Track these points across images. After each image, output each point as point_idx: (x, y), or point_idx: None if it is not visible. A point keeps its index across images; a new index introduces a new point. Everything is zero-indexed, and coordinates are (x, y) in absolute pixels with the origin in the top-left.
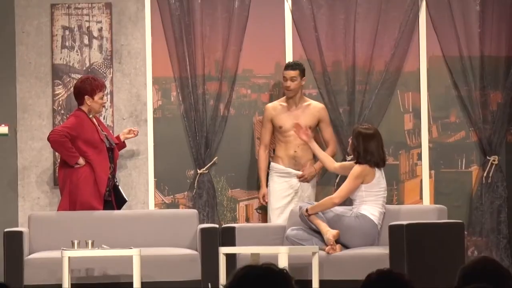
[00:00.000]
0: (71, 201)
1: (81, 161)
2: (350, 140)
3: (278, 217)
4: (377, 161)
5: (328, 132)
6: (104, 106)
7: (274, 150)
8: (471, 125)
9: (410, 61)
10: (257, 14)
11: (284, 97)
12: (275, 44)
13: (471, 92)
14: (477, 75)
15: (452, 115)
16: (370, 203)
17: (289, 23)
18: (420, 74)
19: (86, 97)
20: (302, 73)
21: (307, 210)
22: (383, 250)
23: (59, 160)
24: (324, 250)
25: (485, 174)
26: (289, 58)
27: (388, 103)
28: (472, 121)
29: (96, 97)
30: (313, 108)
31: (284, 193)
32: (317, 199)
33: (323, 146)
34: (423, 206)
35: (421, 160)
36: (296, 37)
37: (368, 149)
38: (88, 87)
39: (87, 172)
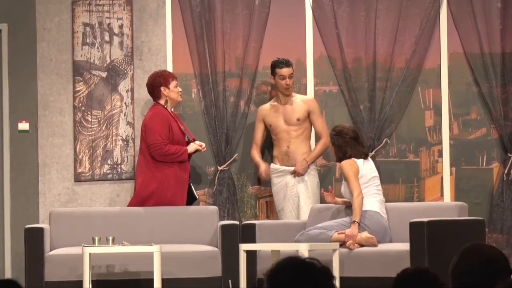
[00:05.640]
0: (157, 197)
1: (191, 148)
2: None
3: (287, 217)
4: (359, 154)
5: (319, 123)
6: (181, 95)
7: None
8: (492, 122)
9: (431, 58)
10: (277, 11)
11: (274, 98)
12: (296, 41)
13: (492, 89)
14: (498, 72)
15: (473, 112)
16: (364, 195)
17: (310, 20)
18: (441, 71)
19: (162, 88)
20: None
21: (354, 222)
22: (403, 247)
23: (138, 155)
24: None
25: (506, 171)
26: (309, 55)
27: (408, 100)
28: (493, 118)
29: (171, 86)
30: (302, 101)
31: (283, 193)
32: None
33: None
34: (444, 203)
35: (442, 157)
36: (317, 34)
37: (345, 145)
38: (160, 78)
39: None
